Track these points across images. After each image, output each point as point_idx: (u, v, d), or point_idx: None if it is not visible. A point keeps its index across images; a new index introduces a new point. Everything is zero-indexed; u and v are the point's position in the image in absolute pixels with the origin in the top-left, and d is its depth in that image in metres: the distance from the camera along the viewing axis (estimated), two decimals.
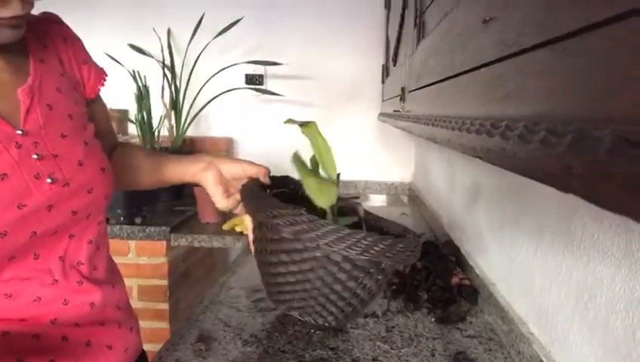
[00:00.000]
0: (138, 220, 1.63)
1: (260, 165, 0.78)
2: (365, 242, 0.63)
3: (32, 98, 0.60)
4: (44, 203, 0.59)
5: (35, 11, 0.66)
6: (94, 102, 0.75)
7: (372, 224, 0.83)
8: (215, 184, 0.76)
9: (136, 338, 0.79)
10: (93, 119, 0.73)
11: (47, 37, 0.67)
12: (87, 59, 0.72)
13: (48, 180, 0.59)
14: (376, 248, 0.63)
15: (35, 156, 0.58)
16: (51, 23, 0.69)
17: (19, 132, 0.57)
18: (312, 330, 0.86)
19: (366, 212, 0.81)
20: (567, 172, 0.19)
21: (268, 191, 0.80)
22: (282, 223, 0.65)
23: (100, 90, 0.74)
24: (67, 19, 0.73)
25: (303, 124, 0.73)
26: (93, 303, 0.68)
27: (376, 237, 0.64)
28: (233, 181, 0.78)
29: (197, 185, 0.79)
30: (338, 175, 0.76)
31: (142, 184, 0.83)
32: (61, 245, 0.64)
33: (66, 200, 0.62)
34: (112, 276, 0.76)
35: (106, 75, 0.75)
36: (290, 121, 0.73)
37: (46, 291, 0.62)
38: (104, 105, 0.79)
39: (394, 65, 1.34)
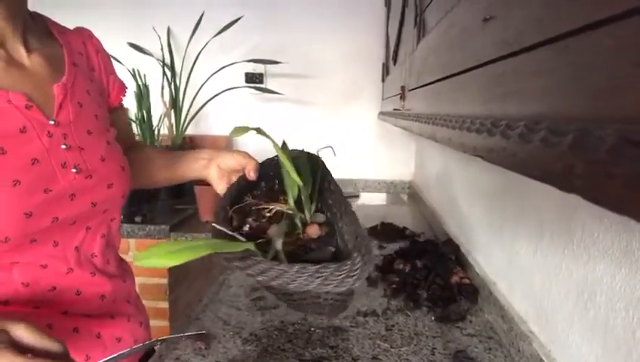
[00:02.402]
0: (138, 219, 1.63)
1: (250, 159, 0.79)
2: (300, 275, 0.59)
3: (65, 94, 0.66)
4: (67, 190, 0.64)
5: (43, 12, 0.72)
6: (118, 110, 0.83)
7: (332, 228, 0.72)
8: (218, 178, 0.81)
9: (145, 332, 0.83)
10: (115, 124, 0.80)
11: (81, 46, 0.75)
12: (113, 72, 0.81)
13: (73, 170, 0.64)
14: (311, 279, 0.59)
15: (63, 146, 0.64)
16: (86, 36, 0.77)
17: (51, 122, 0.63)
18: (312, 329, 0.86)
19: (339, 200, 0.73)
20: (569, 171, 0.19)
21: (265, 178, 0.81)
22: (236, 266, 0.65)
23: (122, 99, 0.83)
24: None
25: (255, 129, 0.73)
26: (104, 295, 0.72)
27: (309, 270, 0.59)
28: (233, 172, 0.82)
29: (204, 180, 0.86)
30: (284, 143, 0.76)
31: (158, 182, 0.90)
32: (78, 236, 0.68)
33: (88, 192, 0.67)
34: (123, 271, 0.80)
35: (127, 88, 0.84)
36: (236, 131, 0.71)
37: (61, 280, 0.66)
38: (123, 116, 0.88)
39: (394, 64, 1.34)
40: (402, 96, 0.98)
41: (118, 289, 0.75)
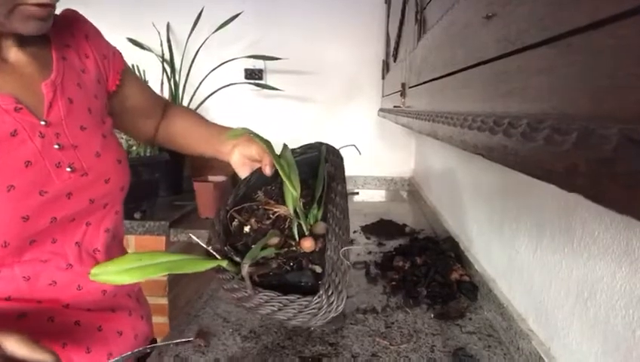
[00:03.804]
0: (137, 215, 1.63)
1: (267, 153, 0.77)
2: (265, 303, 0.57)
3: (54, 92, 0.64)
4: (63, 190, 0.63)
5: None
6: (127, 84, 0.81)
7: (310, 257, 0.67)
8: (240, 165, 0.83)
9: (147, 326, 0.84)
10: (131, 98, 0.82)
11: (69, 36, 0.71)
12: (106, 54, 0.77)
13: (68, 169, 0.64)
14: (275, 310, 0.57)
15: (56, 146, 0.63)
16: (73, 21, 0.73)
17: (42, 123, 0.61)
18: (312, 327, 0.86)
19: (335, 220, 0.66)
20: (572, 171, 0.19)
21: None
22: (217, 277, 0.65)
23: (119, 82, 0.79)
24: None
25: (252, 133, 0.72)
26: (105, 290, 0.72)
27: (273, 300, 0.57)
28: (254, 161, 0.83)
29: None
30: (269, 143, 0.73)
31: (193, 153, 0.92)
32: (78, 232, 0.68)
33: (85, 189, 0.66)
34: None
35: (122, 67, 0.80)
36: (234, 132, 0.73)
37: (61, 275, 0.66)
38: (136, 84, 0.85)
39: (394, 61, 1.34)
40: (402, 93, 0.97)
41: (119, 285, 0.75)
